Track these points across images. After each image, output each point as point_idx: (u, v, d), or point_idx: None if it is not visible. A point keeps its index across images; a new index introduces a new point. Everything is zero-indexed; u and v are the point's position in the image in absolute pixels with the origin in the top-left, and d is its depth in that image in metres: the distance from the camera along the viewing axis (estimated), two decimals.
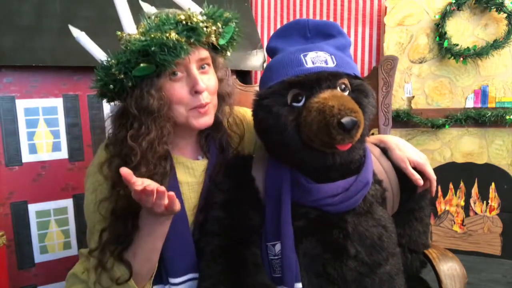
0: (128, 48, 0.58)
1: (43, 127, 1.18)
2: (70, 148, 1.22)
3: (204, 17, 0.62)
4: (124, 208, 0.60)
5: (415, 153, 0.69)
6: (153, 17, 0.62)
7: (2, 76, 1.12)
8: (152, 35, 0.57)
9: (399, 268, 0.64)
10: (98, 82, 0.62)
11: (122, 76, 0.59)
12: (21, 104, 1.15)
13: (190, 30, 0.59)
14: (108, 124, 0.67)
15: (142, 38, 0.58)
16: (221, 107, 0.71)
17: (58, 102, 1.20)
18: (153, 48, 0.56)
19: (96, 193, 0.65)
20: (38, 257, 1.18)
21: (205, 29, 0.61)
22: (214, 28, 0.62)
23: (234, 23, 0.66)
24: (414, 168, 0.67)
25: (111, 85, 0.61)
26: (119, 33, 0.63)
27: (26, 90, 1.15)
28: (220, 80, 0.70)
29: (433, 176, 0.68)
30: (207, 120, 0.66)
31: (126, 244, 0.61)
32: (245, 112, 0.80)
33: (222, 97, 0.71)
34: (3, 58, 1.08)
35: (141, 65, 0.58)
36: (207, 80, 0.65)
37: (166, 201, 0.53)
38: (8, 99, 1.13)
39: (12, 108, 1.13)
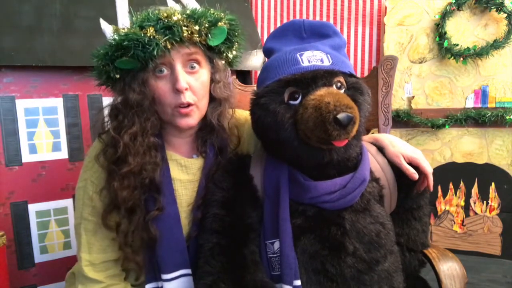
0: (111, 41, 0.60)
1: (43, 127, 1.18)
2: (70, 148, 1.22)
3: (185, 16, 0.61)
4: (124, 200, 0.61)
5: (409, 148, 0.69)
6: (145, 12, 0.63)
7: (2, 76, 1.13)
8: (132, 31, 0.58)
9: (398, 266, 0.64)
10: (93, 70, 0.65)
11: (105, 67, 0.61)
12: (21, 104, 1.15)
13: (168, 29, 0.59)
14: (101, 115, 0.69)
15: (122, 33, 0.59)
16: (216, 111, 0.71)
17: (58, 102, 1.20)
18: (125, 43, 0.57)
19: (93, 186, 0.66)
20: (38, 257, 1.19)
21: (184, 28, 0.60)
22: (196, 27, 0.61)
23: (228, 24, 0.66)
24: (410, 164, 0.67)
25: (101, 77, 0.64)
26: (114, 27, 0.64)
27: (26, 90, 1.16)
28: (216, 82, 0.69)
29: (428, 169, 0.68)
30: (188, 121, 0.65)
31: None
32: (248, 115, 0.80)
33: (219, 101, 0.71)
34: (3, 58, 1.08)
35: (123, 58, 0.59)
36: (194, 81, 0.65)
37: None
38: (8, 99, 1.13)
39: (12, 108, 1.13)
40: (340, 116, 0.50)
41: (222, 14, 0.65)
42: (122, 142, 0.61)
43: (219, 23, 0.64)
